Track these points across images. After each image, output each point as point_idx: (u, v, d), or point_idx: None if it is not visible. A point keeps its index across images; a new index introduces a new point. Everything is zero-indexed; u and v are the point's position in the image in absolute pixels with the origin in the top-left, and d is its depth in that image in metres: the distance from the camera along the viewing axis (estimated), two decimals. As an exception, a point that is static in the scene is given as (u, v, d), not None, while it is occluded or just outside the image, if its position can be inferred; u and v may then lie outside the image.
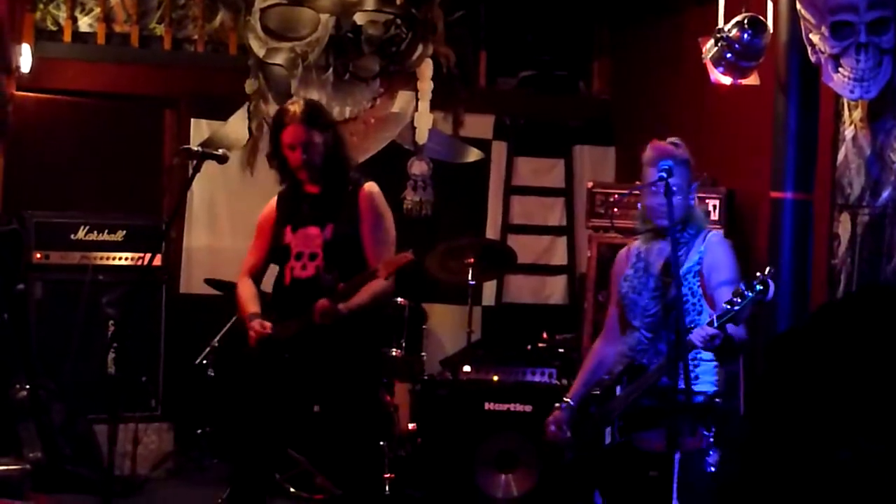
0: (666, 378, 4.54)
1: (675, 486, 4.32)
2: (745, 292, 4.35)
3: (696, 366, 4.78)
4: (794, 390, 2.94)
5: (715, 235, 4.97)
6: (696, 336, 4.48)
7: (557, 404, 5.15)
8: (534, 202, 9.44)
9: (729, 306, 4.41)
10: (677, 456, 4.39)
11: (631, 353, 4.93)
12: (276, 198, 5.41)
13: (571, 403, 5.10)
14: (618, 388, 4.88)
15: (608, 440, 4.85)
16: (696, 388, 4.69)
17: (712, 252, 4.85)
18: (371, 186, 5.28)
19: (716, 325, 4.43)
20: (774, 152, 5.83)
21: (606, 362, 5.16)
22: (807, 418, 2.91)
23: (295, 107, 5.23)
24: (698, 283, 4.82)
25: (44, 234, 7.44)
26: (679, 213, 4.77)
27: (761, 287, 4.32)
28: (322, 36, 7.25)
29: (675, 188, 4.68)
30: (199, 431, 7.55)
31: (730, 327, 4.50)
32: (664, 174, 4.64)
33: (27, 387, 6.84)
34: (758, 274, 4.37)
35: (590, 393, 5.13)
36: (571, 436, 5.02)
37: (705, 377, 4.82)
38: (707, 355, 4.74)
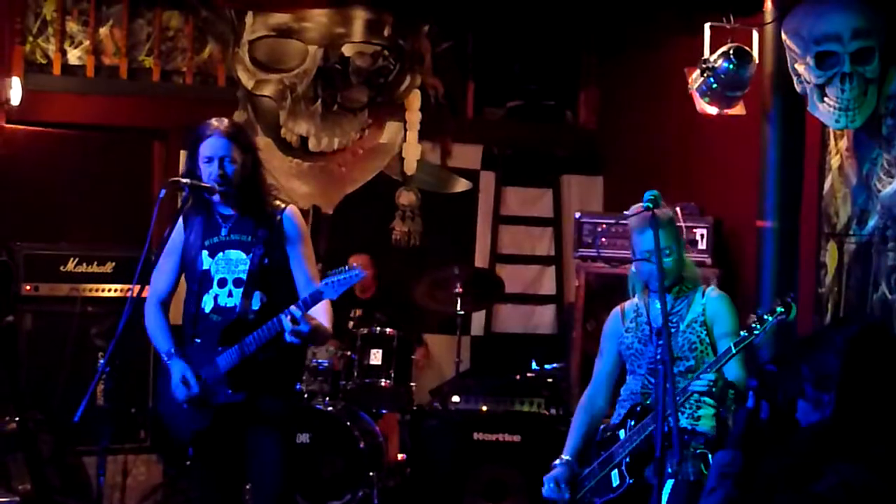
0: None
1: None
2: (765, 316, 4.37)
3: (699, 407, 4.78)
4: (776, 421, 2.96)
5: (713, 290, 4.93)
6: (699, 384, 4.50)
7: (555, 461, 5.05)
8: (522, 232, 9.46)
9: (747, 333, 4.40)
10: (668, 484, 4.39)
11: (634, 397, 4.91)
12: (181, 217, 5.12)
13: (569, 459, 5.02)
14: (621, 433, 4.84)
15: (616, 482, 4.80)
16: (697, 429, 4.74)
17: (713, 305, 4.85)
18: (293, 209, 5.06)
19: (733, 351, 4.43)
20: (760, 182, 5.86)
21: (599, 416, 5.12)
22: (789, 448, 2.93)
23: (218, 122, 5.03)
24: (705, 332, 4.81)
25: (33, 266, 7.43)
26: (672, 272, 4.79)
27: (782, 309, 4.34)
28: (310, 67, 7.31)
29: (666, 251, 4.68)
30: (188, 463, 7.48)
31: (731, 374, 4.56)
32: (650, 204, 4.61)
33: (16, 419, 6.82)
34: (778, 299, 4.41)
35: (587, 446, 5.05)
36: (568, 499, 4.96)
37: (706, 421, 4.80)
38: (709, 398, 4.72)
